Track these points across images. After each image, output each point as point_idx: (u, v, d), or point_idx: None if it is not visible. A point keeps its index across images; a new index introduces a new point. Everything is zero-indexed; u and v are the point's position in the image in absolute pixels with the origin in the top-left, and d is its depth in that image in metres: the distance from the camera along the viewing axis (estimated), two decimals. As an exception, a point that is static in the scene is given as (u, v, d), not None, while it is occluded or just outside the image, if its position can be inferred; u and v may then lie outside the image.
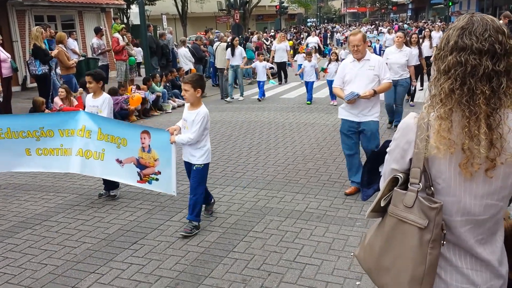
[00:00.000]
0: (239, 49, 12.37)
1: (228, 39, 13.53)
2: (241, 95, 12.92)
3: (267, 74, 12.61)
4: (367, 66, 4.91)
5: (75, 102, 8.91)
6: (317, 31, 32.74)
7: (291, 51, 21.09)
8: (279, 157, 6.82)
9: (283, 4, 29.82)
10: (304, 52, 17.40)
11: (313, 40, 21.09)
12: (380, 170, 1.88)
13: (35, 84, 11.23)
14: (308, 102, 11.45)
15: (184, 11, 37.48)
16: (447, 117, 1.44)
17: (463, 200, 1.49)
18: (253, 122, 9.57)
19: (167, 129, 4.47)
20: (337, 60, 10.89)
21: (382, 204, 1.60)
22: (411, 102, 10.34)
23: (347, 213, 4.64)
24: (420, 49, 9.42)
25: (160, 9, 33.82)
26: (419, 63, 9.29)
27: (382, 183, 1.69)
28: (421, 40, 11.66)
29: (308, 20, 51.66)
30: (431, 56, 11.15)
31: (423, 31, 17.58)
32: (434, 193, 1.50)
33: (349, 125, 5.06)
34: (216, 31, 17.86)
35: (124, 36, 12.30)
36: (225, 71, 12.44)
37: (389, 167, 1.64)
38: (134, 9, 32.29)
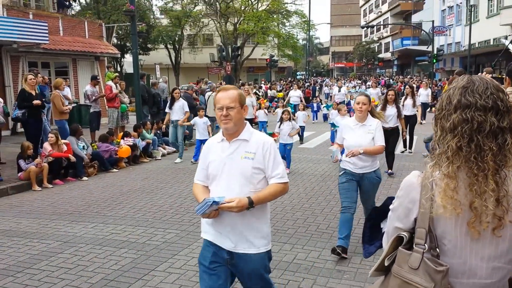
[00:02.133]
0: (180, 102, 10.78)
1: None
2: (180, 157, 10.81)
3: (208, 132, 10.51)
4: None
5: (65, 148, 8.91)
6: (306, 84, 33.58)
7: (317, 98, 21.78)
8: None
9: (273, 58, 30.69)
10: (266, 107, 16.52)
11: (295, 94, 19.38)
12: (382, 227, 1.87)
13: (22, 129, 11.24)
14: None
15: (177, 61, 38.42)
16: (454, 176, 1.43)
17: (469, 262, 1.46)
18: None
19: None
20: (290, 119, 9.34)
21: (386, 264, 1.57)
22: (409, 150, 11.37)
23: (335, 265, 4.60)
24: (398, 108, 8.78)
25: (154, 59, 34.66)
26: (397, 124, 8.78)
27: (386, 241, 1.66)
28: (402, 98, 11.49)
29: (298, 73, 53.08)
30: (413, 115, 11.18)
31: (405, 88, 17.83)
32: (439, 254, 1.47)
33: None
34: (209, 81, 18.25)
35: (117, 84, 12.51)
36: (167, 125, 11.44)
37: (392, 225, 1.61)
38: (128, 58, 33.05)
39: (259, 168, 2.67)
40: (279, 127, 9.39)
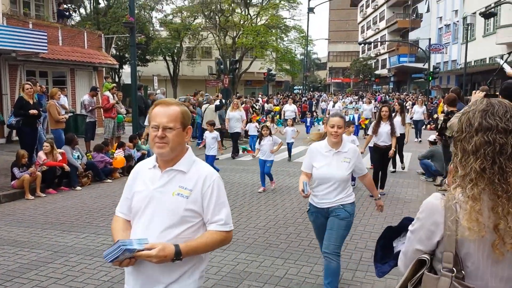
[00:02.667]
0: None
1: (217, 102, 13.94)
2: None
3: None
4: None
5: (59, 157, 8.89)
6: (303, 99, 33.73)
7: (278, 116, 21.57)
8: (261, 219, 6.81)
9: (271, 72, 30.87)
10: (258, 121, 15.77)
11: (289, 108, 18.97)
12: (394, 245, 1.88)
13: (17, 138, 11.24)
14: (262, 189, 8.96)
15: (175, 73, 38.59)
16: (478, 198, 1.45)
17: (490, 284, 1.49)
18: (236, 184, 9.60)
19: None
20: (270, 134, 8.96)
21: None
22: (393, 169, 10.82)
23: (327, 280, 4.58)
24: (392, 125, 8.43)
25: (152, 70, 34.81)
26: (389, 143, 8.37)
27: (402, 261, 1.67)
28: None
29: (295, 87, 53.36)
30: (401, 134, 10.20)
31: (404, 104, 17.58)
32: (464, 276, 1.49)
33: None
34: (206, 94, 18.32)
35: (114, 95, 12.54)
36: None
37: (412, 247, 1.61)
38: (126, 69, 33.18)
39: (194, 211, 2.08)
40: (259, 143, 9.01)
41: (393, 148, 8.49)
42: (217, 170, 6.97)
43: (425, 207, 1.58)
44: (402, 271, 1.65)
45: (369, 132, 8.85)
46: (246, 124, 14.05)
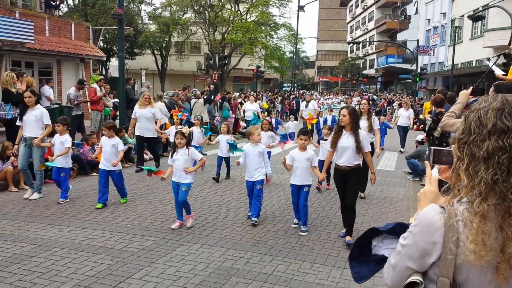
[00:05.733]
0: (37, 111, 7.45)
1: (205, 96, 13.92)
2: (37, 191, 7.60)
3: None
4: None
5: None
6: (292, 96, 33.71)
7: (265, 113, 21.44)
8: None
9: (260, 69, 30.83)
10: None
11: (251, 108, 15.95)
12: (374, 245, 1.66)
13: (3, 129, 11.01)
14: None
15: (163, 67, 38.31)
16: (488, 216, 1.24)
17: None
18: (224, 179, 9.54)
19: None
20: (187, 144, 6.19)
21: None
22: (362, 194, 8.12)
23: (315, 278, 4.57)
24: (357, 136, 5.83)
25: (140, 64, 34.47)
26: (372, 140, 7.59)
27: (390, 276, 1.47)
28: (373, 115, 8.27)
29: (284, 85, 53.42)
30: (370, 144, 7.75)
31: (392, 104, 16.55)
32: None
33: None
34: (194, 89, 18.19)
35: (102, 87, 12.36)
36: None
37: (403, 263, 1.41)
38: (114, 62, 32.81)
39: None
40: (171, 157, 6.22)
41: (377, 150, 7.87)
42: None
43: (421, 222, 1.36)
44: (388, 285, 1.48)
45: (327, 145, 6.14)
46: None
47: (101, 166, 7.22)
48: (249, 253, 5.22)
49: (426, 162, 1.65)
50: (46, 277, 4.40)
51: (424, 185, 6.65)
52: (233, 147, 7.40)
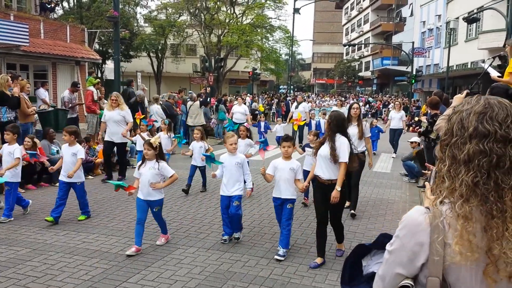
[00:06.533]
0: None
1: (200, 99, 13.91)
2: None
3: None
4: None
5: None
6: (288, 99, 33.73)
7: (262, 115, 21.41)
8: (245, 219, 6.74)
9: (256, 71, 30.84)
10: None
11: (239, 110, 14.83)
12: (364, 265, 1.63)
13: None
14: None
15: (159, 70, 38.28)
16: (470, 216, 1.25)
17: None
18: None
19: None
20: (159, 158, 5.40)
21: None
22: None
23: (312, 281, 4.56)
24: (333, 148, 5.13)
25: (135, 66, 34.42)
26: (364, 149, 6.96)
27: (379, 287, 1.44)
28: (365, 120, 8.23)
29: (280, 87, 53.45)
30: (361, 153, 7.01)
31: (388, 107, 15.96)
32: None
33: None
34: (190, 91, 18.19)
35: (98, 90, 12.33)
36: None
37: (392, 271, 1.36)
38: (109, 64, 32.72)
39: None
40: (138, 169, 5.52)
41: (369, 161, 7.12)
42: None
43: (406, 224, 1.33)
44: None
45: (311, 153, 6.08)
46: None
47: (61, 178, 6.35)
48: (245, 256, 5.20)
49: (426, 183, 1.64)
50: (41, 281, 4.37)
51: (420, 187, 6.66)
52: (210, 159, 6.26)
